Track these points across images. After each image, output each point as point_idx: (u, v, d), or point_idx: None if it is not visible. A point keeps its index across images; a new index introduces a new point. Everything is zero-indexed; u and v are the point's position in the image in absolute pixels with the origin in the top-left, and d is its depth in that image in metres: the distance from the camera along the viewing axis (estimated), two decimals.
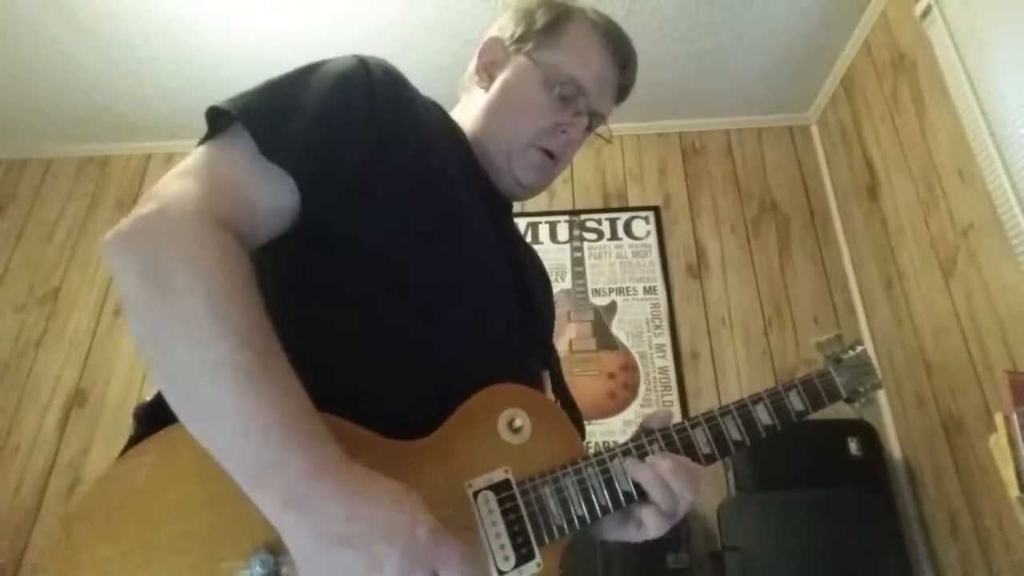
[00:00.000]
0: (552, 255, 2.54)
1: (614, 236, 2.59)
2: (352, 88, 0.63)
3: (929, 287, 1.92)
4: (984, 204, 1.66)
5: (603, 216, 2.62)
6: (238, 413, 0.47)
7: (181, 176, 0.56)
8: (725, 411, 0.69)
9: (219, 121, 0.60)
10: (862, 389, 0.77)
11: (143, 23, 2.19)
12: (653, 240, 2.57)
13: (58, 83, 2.46)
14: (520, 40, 0.78)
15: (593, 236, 2.59)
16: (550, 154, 0.76)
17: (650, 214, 2.62)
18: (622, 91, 0.83)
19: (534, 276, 0.84)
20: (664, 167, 2.72)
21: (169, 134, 2.79)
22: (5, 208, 2.75)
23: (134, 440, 0.57)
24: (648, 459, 0.63)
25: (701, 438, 0.66)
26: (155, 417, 0.55)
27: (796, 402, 0.71)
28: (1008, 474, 1.23)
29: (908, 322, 2.04)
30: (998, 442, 1.28)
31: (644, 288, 2.48)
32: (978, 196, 1.68)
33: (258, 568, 0.48)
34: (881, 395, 2.22)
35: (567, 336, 2.38)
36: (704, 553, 2.02)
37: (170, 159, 2.84)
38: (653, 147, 2.75)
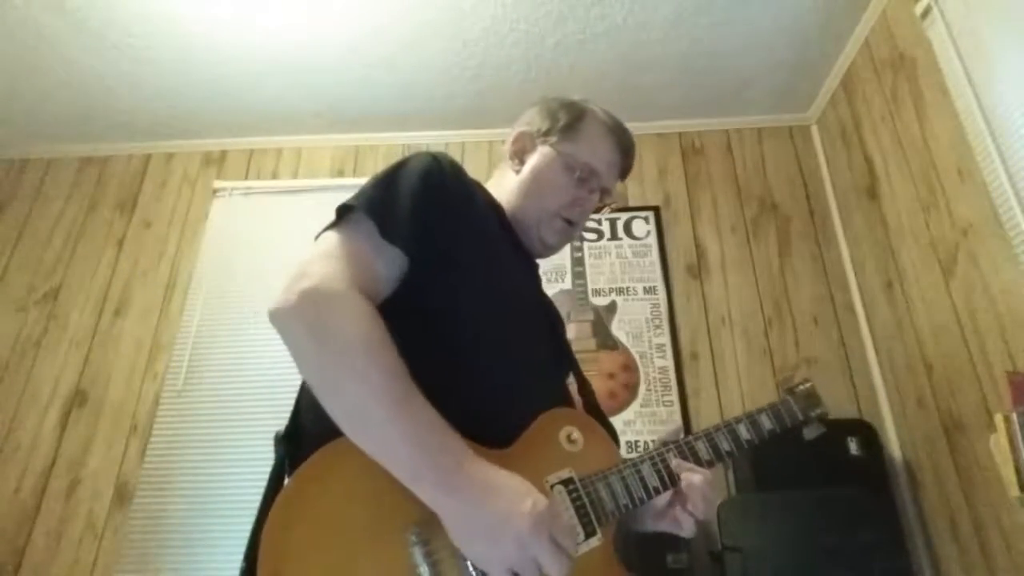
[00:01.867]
0: (552, 255, 2.53)
1: (614, 236, 2.59)
2: (432, 183, 0.82)
3: (929, 287, 1.92)
4: (984, 204, 1.66)
5: (603, 216, 2.62)
6: (399, 428, 0.65)
7: (323, 258, 0.74)
8: (717, 428, 0.91)
9: (342, 212, 0.80)
10: (813, 414, 0.98)
11: (143, 23, 2.19)
12: (653, 240, 2.57)
13: (58, 83, 2.47)
14: (546, 134, 0.99)
15: (593, 236, 2.59)
16: (570, 222, 0.99)
17: (650, 214, 2.62)
18: (624, 171, 1.05)
19: (556, 318, 1.05)
20: (664, 167, 2.72)
21: (169, 134, 2.79)
22: (5, 208, 2.75)
23: (281, 462, 0.77)
24: (685, 475, 0.85)
25: (702, 448, 0.89)
26: (294, 442, 0.78)
27: (767, 422, 0.94)
28: (1008, 474, 1.23)
29: (908, 322, 2.04)
30: (998, 442, 1.28)
31: (644, 288, 2.48)
32: (978, 196, 1.68)
33: (413, 537, 0.67)
34: (881, 395, 2.22)
35: (567, 336, 2.37)
36: (704, 553, 2.02)
37: (170, 159, 2.84)
38: (653, 147, 2.75)
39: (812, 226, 2.57)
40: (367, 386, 0.65)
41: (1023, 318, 1.54)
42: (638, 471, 0.82)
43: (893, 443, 2.14)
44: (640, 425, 2.24)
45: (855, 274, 2.42)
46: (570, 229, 0.99)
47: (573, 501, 0.76)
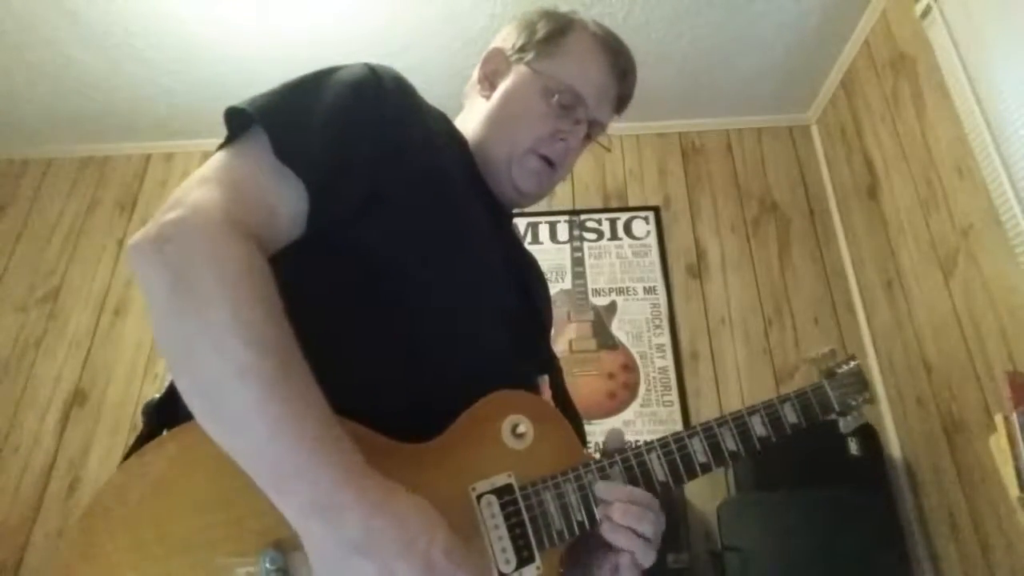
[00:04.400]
0: (552, 255, 2.54)
1: (614, 236, 2.59)
2: (363, 97, 0.65)
3: (929, 287, 1.92)
4: (984, 203, 1.66)
5: (603, 216, 2.62)
6: (264, 421, 0.48)
7: (203, 183, 0.57)
8: (722, 422, 0.69)
9: (235, 123, 0.62)
10: (854, 403, 0.77)
11: (143, 23, 2.19)
12: (653, 240, 2.57)
13: (58, 83, 2.46)
14: (521, 50, 0.79)
15: (593, 236, 2.59)
16: (549, 161, 0.78)
17: (650, 214, 2.62)
18: (621, 101, 0.85)
19: (533, 281, 0.85)
20: (664, 167, 2.72)
21: (169, 134, 2.79)
22: (5, 208, 2.75)
23: (145, 437, 0.58)
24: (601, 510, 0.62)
25: (698, 447, 0.67)
26: (165, 415, 0.58)
27: (791, 414, 0.72)
28: (1008, 474, 1.23)
29: (908, 322, 2.04)
30: (998, 442, 1.28)
31: (644, 288, 2.48)
32: (978, 196, 1.68)
33: (267, 564, 0.50)
34: (881, 395, 2.21)
35: (567, 336, 2.38)
36: (704, 553, 2.02)
37: (170, 159, 2.84)
38: (653, 147, 2.75)
39: (812, 226, 2.57)
40: (228, 361, 0.49)
41: (1023, 318, 1.54)
42: (604, 476, 0.63)
43: (893, 443, 2.13)
44: (640, 425, 2.24)
45: (855, 274, 2.42)
46: (549, 171, 0.78)
47: (507, 517, 0.58)
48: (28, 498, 2.19)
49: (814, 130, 2.73)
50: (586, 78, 0.77)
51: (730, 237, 2.56)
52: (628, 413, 2.25)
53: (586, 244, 2.57)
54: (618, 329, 2.40)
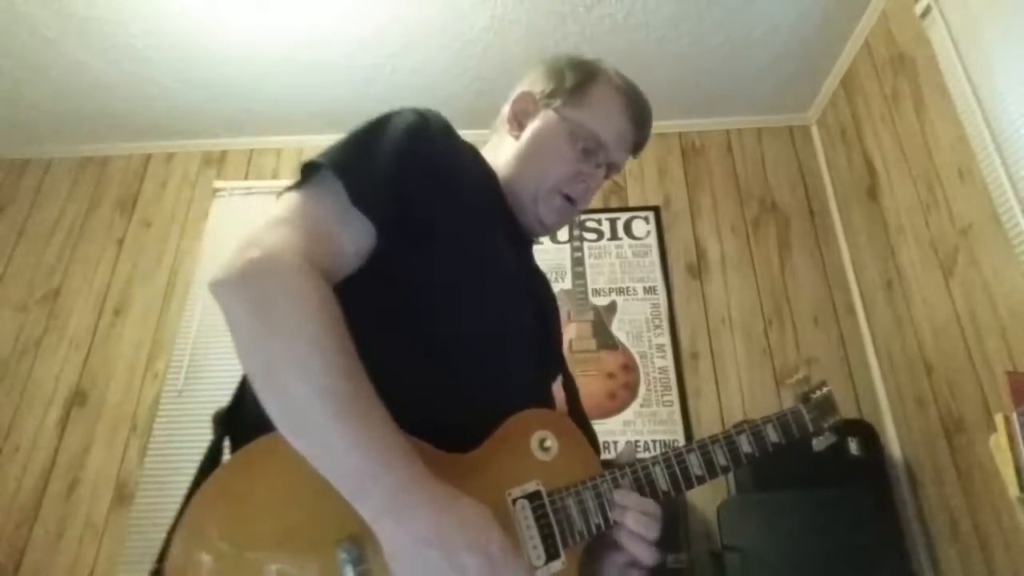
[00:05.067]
0: (552, 255, 2.54)
1: (614, 236, 2.59)
2: (417, 140, 0.74)
3: (929, 287, 1.92)
4: (984, 204, 1.66)
5: (603, 216, 2.62)
6: (343, 436, 0.56)
7: (280, 224, 0.65)
8: (714, 440, 0.79)
9: (307, 170, 0.71)
10: (826, 425, 0.86)
11: (143, 23, 2.19)
12: (653, 240, 2.57)
13: (58, 83, 2.47)
14: (550, 96, 0.87)
15: (593, 236, 2.59)
16: (571, 199, 0.87)
17: (650, 214, 2.62)
18: (637, 146, 0.92)
19: (547, 301, 0.95)
20: (664, 167, 2.72)
21: (170, 134, 2.79)
22: (5, 208, 2.75)
23: (215, 444, 0.67)
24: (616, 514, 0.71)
25: (694, 461, 0.77)
26: (232, 423, 0.68)
27: (772, 435, 0.82)
28: (1008, 474, 1.23)
29: (908, 322, 2.04)
30: (998, 442, 1.28)
31: (644, 288, 2.48)
32: (978, 196, 1.68)
33: (343, 555, 0.58)
34: (881, 395, 2.22)
35: (567, 336, 2.38)
36: (704, 553, 2.02)
37: (170, 159, 2.84)
38: (653, 147, 2.75)
39: (812, 226, 2.57)
40: (311, 383, 0.57)
41: (1021, 317, 1.54)
42: (617, 486, 0.72)
43: (893, 443, 2.14)
44: (640, 425, 2.24)
45: (855, 274, 2.42)
46: (570, 207, 0.87)
47: (537, 519, 0.67)
48: (28, 498, 2.19)
49: (814, 130, 2.73)
50: (608, 126, 0.86)
51: (730, 237, 2.57)
52: (628, 413, 2.25)
53: (586, 244, 2.57)
54: (618, 329, 2.40)
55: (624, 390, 2.29)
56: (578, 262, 2.54)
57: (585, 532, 0.69)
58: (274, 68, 2.41)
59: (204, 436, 2.07)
